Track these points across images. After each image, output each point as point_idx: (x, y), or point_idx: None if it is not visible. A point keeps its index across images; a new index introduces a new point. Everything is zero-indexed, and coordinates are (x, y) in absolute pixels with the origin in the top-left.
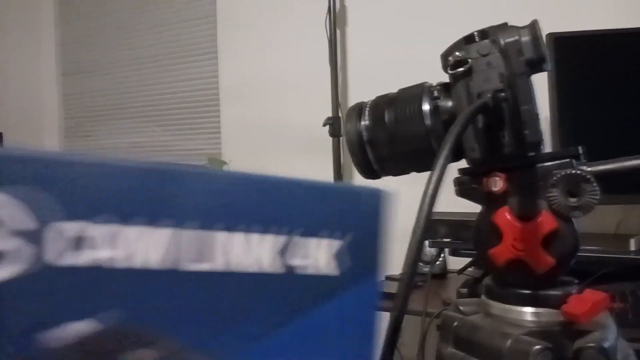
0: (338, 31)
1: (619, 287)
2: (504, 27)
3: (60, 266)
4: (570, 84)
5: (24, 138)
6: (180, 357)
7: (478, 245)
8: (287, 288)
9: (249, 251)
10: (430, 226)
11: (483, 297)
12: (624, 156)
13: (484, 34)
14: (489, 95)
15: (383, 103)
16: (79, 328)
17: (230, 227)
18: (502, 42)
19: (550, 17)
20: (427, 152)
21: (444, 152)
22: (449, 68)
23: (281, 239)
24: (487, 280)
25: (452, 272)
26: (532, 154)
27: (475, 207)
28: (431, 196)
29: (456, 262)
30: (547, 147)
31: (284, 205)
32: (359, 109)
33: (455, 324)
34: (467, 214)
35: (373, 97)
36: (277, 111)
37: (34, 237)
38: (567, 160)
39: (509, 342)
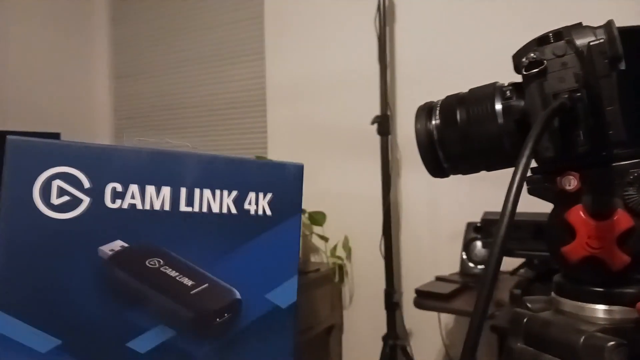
0: (387, 29)
1: None
2: (578, 28)
3: (109, 208)
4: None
5: (80, 139)
6: (175, 263)
7: (551, 243)
8: (241, 223)
9: (217, 201)
10: (485, 226)
11: (553, 294)
12: None
13: (558, 34)
14: (565, 95)
15: (454, 102)
16: (117, 245)
17: (207, 187)
18: (577, 42)
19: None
20: (498, 151)
21: (526, 153)
22: (523, 69)
23: (237, 193)
24: (558, 278)
25: (505, 274)
26: (605, 153)
27: (523, 207)
28: (513, 203)
29: (508, 263)
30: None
31: (239, 173)
32: (429, 108)
33: (526, 320)
34: (521, 214)
35: (422, 95)
36: (323, 110)
37: (93, 191)
38: None
39: (583, 338)
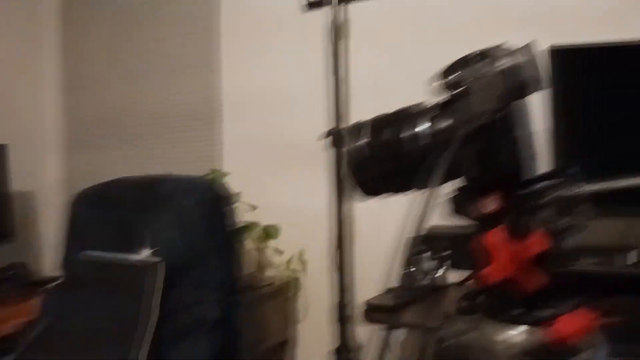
0: (340, 44)
1: (616, 301)
2: (500, 49)
3: None
4: (569, 96)
5: (28, 151)
6: None
7: (473, 264)
8: None
9: None
10: (431, 239)
11: (478, 315)
12: (622, 168)
13: (482, 55)
14: (485, 116)
15: (383, 121)
16: None
17: None
18: (499, 63)
19: (551, 30)
20: (426, 170)
21: (437, 174)
22: (448, 88)
23: None
24: (482, 299)
25: (454, 285)
26: (525, 175)
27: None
28: (421, 215)
29: (458, 275)
30: (545, 161)
31: None
32: (359, 128)
33: (447, 343)
34: (468, 227)
35: (374, 112)
36: (279, 123)
37: None
38: (561, 180)
39: None
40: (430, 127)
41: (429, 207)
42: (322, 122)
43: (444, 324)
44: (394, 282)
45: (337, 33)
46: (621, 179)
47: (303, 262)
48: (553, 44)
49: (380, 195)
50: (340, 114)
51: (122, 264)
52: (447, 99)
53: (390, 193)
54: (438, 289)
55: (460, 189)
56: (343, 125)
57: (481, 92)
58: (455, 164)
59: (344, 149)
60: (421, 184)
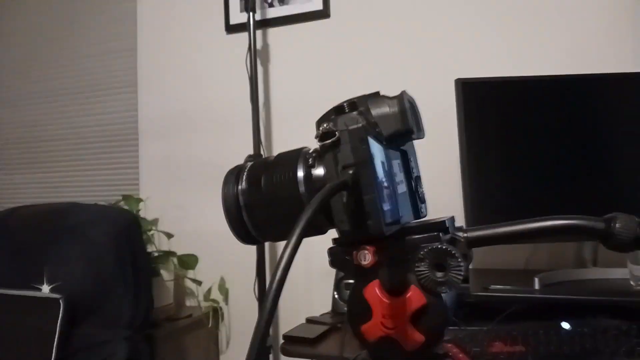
0: (261, 68)
1: (523, 327)
2: (374, 98)
3: None
4: (477, 129)
5: None
6: None
7: (351, 320)
8: None
9: None
10: None
11: None
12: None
13: (352, 105)
14: (350, 172)
15: (260, 167)
16: None
17: None
18: (372, 112)
19: (459, 63)
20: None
21: (298, 229)
22: (318, 138)
23: None
24: (364, 355)
25: None
26: (397, 227)
27: None
28: (282, 272)
29: None
30: (458, 195)
31: None
32: (237, 172)
33: None
34: None
35: (295, 137)
36: (198, 147)
37: None
38: (435, 233)
39: None
40: (305, 175)
41: (288, 266)
42: (246, 147)
43: (360, 354)
44: (317, 310)
45: (255, 58)
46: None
47: (224, 291)
48: (459, 77)
49: (260, 243)
50: (260, 139)
51: (19, 300)
52: (319, 149)
53: (269, 240)
54: None
55: (334, 241)
56: (263, 150)
57: (349, 144)
58: (328, 215)
59: (221, 194)
60: (311, 231)
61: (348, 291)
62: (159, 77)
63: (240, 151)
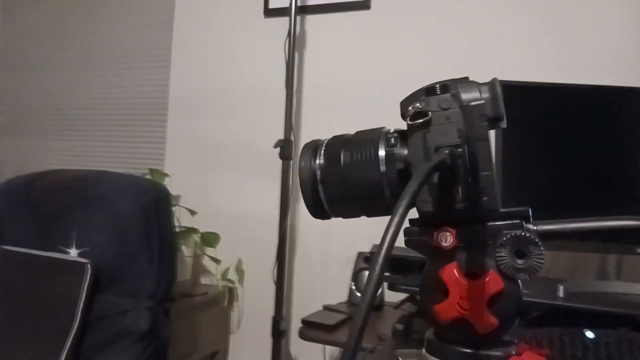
0: (296, 54)
1: (547, 332)
2: (464, 82)
3: None
4: (518, 134)
5: None
6: None
7: (423, 299)
8: None
9: None
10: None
11: (424, 350)
12: (566, 208)
13: (444, 87)
14: (446, 151)
15: (339, 143)
16: None
17: None
18: (462, 97)
19: (494, 64)
20: (378, 198)
21: (400, 210)
22: (408, 118)
23: None
24: (429, 334)
25: (388, 306)
26: (481, 212)
27: None
28: (383, 257)
29: (393, 295)
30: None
31: None
32: (314, 147)
33: None
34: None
35: (325, 124)
36: (227, 128)
37: None
38: (517, 221)
39: None
40: (386, 155)
41: (390, 249)
42: (275, 131)
43: (378, 345)
44: (333, 298)
45: (294, 43)
46: (573, 221)
47: (240, 273)
48: (501, 80)
49: (330, 218)
50: (292, 124)
51: (45, 262)
52: (405, 129)
53: (340, 217)
54: (375, 309)
55: (412, 222)
56: (292, 136)
57: (441, 126)
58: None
59: (298, 167)
60: (374, 212)
61: (365, 282)
62: (192, 54)
63: (267, 134)
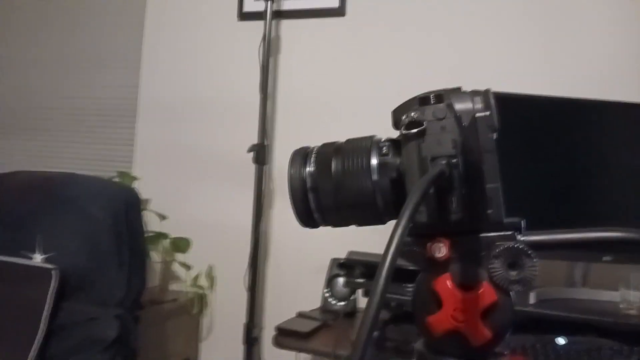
0: (271, 59)
1: (520, 339)
2: (457, 92)
3: None
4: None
5: None
6: None
7: (416, 310)
8: None
9: None
10: (347, 265)
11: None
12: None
13: (439, 97)
14: (443, 162)
15: (331, 151)
16: None
17: None
18: (456, 107)
19: (472, 71)
20: (370, 207)
21: (404, 222)
22: (402, 127)
23: None
24: (419, 346)
25: (362, 312)
26: (476, 223)
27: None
28: (387, 270)
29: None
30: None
31: None
32: (304, 153)
33: None
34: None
35: (301, 128)
36: (199, 131)
37: None
38: (510, 232)
39: None
40: (379, 163)
41: (393, 263)
42: (249, 136)
43: (352, 352)
44: (306, 305)
45: (269, 48)
46: (560, 232)
47: (211, 279)
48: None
49: (318, 227)
50: (266, 129)
51: (8, 268)
52: (398, 138)
53: (329, 225)
54: (349, 315)
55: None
56: (266, 140)
57: (436, 136)
58: (395, 206)
59: (288, 175)
60: (365, 221)
61: (339, 289)
62: (164, 56)
63: (241, 139)
